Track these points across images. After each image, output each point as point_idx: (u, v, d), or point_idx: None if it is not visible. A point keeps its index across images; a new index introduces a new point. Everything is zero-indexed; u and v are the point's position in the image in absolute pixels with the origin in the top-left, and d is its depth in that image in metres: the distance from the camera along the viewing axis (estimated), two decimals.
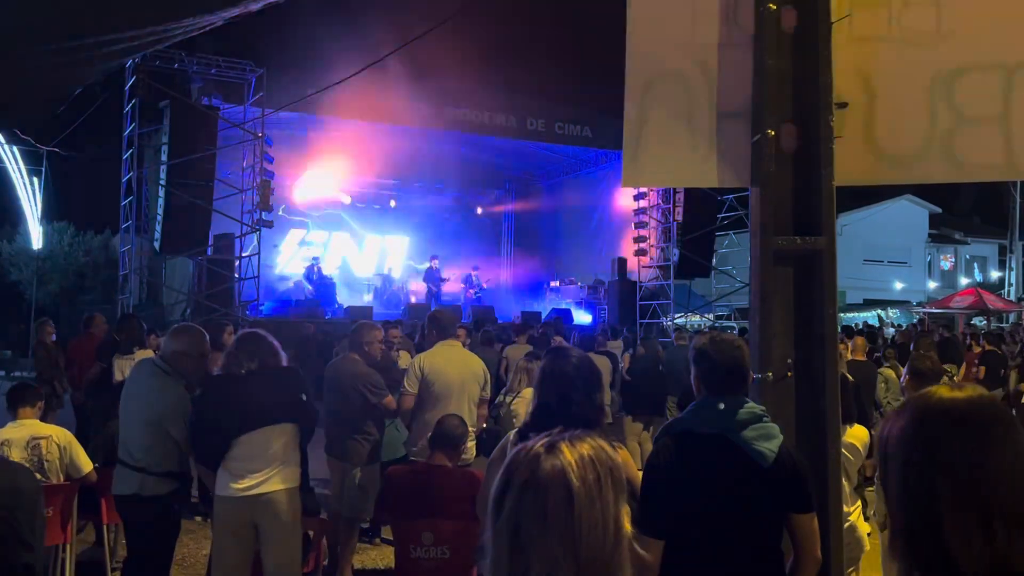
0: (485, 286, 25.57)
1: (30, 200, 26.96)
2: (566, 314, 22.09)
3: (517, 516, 1.50)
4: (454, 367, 6.50)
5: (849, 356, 9.65)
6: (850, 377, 5.56)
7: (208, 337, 5.30)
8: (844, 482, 4.18)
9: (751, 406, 3.07)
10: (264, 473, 4.71)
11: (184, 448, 4.95)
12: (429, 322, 6.95)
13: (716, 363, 3.13)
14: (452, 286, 25.24)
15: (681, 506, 2.97)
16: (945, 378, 5.97)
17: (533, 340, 12.58)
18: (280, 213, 20.08)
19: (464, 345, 9.53)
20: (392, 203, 27.50)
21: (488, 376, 6.75)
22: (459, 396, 6.41)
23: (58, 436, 5.66)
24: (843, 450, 3.81)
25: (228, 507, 4.75)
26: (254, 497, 4.70)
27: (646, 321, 22.42)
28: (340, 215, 26.82)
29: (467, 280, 25.35)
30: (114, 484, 5.05)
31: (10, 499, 1.93)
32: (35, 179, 26.54)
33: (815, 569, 3.03)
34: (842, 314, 25.88)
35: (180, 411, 4.92)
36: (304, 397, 4.83)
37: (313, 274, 23.06)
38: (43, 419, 5.91)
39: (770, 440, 2.98)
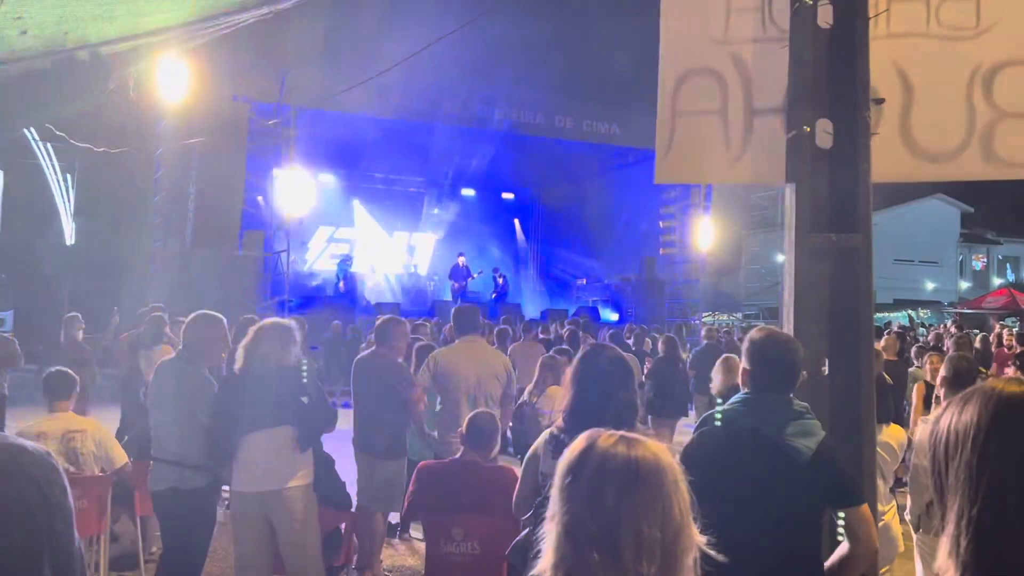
0: (500, 280, 25.49)
1: (63, 196, 27.29)
2: (593, 312, 22.06)
3: (599, 494, 1.54)
4: (470, 364, 6.45)
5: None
6: (887, 377, 5.50)
7: (225, 322, 5.41)
8: (880, 482, 4.13)
9: (794, 403, 3.04)
10: (271, 470, 4.78)
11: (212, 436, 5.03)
12: (452, 319, 6.99)
13: (770, 359, 3.09)
14: (479, 283, 25.27)
15: (713, 498, 2.94)
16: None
17: (540, 338, 12.55)
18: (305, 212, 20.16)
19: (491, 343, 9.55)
20: (420, 201, 27.57)
21: (511, 372, 6.67)
22: (475, 393, 6.36)
23: (93, 430, 5.72)
24: (879, 450, 3.77)
25: (241, 502, 4.88)
26: (263, 494, 4.79)
27: (674, 319, 22.34)
28: (368, 212, 26.92)
29: (492, 276, 25.38)
30: (150, 480, 5.12)
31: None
32: (68, 175, 26.86)
33: (872, 560, 2.98)
34: None
35: (207, 395, 5.03)
36: (305, 400, 4.82)
37: (345, 270, 23.18)
38: (78, 412, 5.98)
39: (808, 437, 2.95)
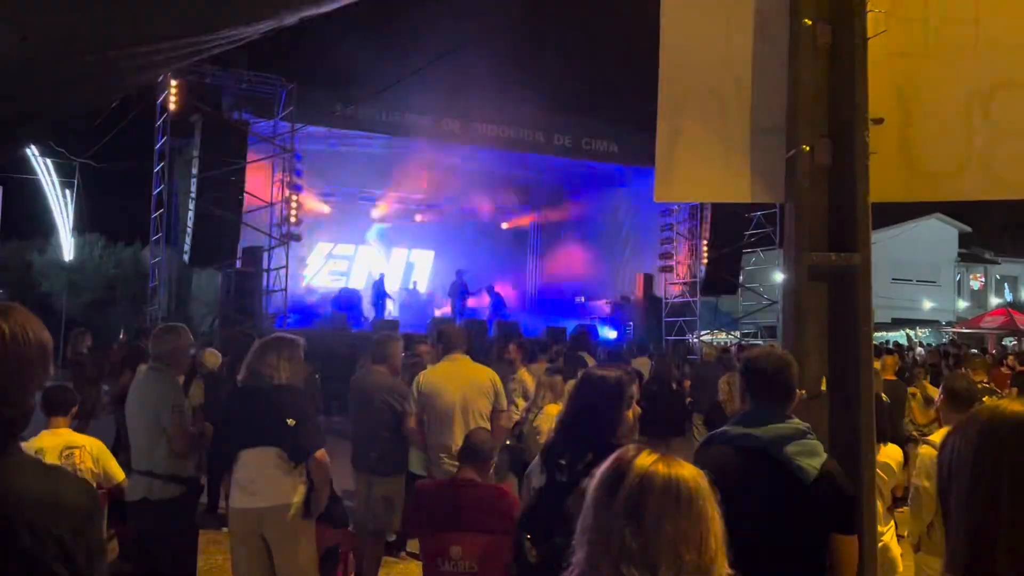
0: (493, 297, 25.53)
1: (62, 211, 27.30)
2: (591, 330, 22.04)
3: (641, 508, 1.55)
4: (454, 382, 6.30)
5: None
6: (885, 397, 5.49)
7: (189, 332, 5.61)
8: (878, 502, 4.12)
9: (795, 422, 3.04)
10: (263, 487, 4.76)
11: (175, 443, 5.10)
12: (436, 338, 6.88)
13: (766, 377, 3.11)
14: (477, 301, 25.27)
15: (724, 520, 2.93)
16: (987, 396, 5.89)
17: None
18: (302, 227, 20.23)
19: (518, 361, 9.49)
20: (418, 217, 27.63)
21: (499, 387, 6.44)
22: (463, 412, 6.21)
23: (91, 446, 5.70)
24: (877, 470, 3.76)
25: (236, 518, 4.88)
26: (256, 511, 4.78)
27: (672, 338, 22.31)
28: (366, 229, 26.95)
29: (490, 293, 25.37)
30: (127, 492, 5.17)
31: (51, 516, 1.59)
32: (67, 191, 26.89)
33: None
34: None
35: (170, 400, 5.13)
36: (292, 422, 4.71)
37: (377, 289, 23.37)
38: (77, 429, 5.96)
39: (813, 457, 2.94)
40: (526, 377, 9.04)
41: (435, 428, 6.21)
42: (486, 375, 6.47)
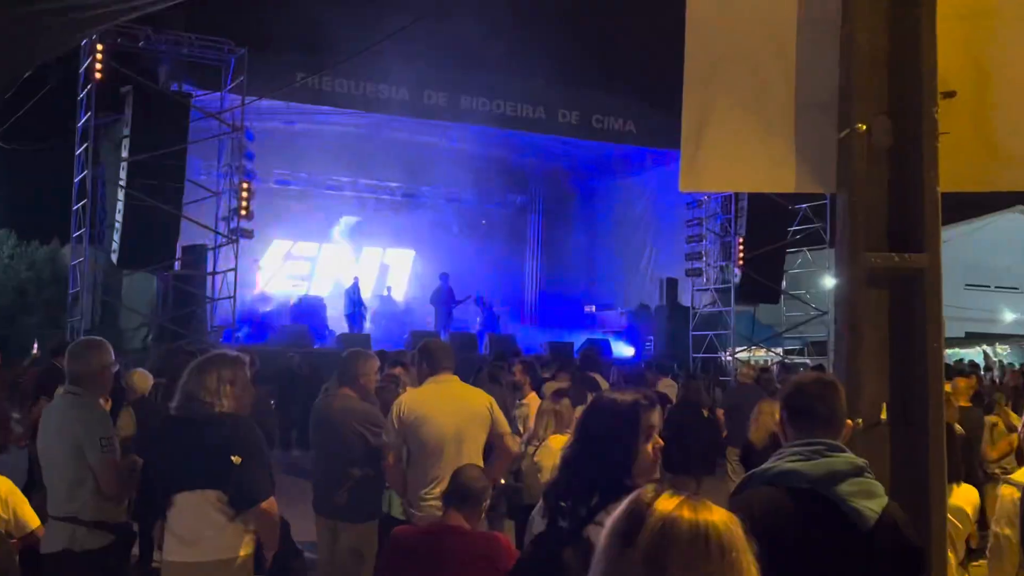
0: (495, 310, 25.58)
1: None
2: (603, 346, 22.07)
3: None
4: (446, 408, 6.19)
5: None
6: (958, 427, 5.50)
7: (111, 348, 5.53)
8: (950, 553, 4.12)
9: (849, 456, 3.04)
10: (203, 538, 4.73)
11: (103, 483, 5.05)
12: (419, 355, 6.74)
13: (812, 405, 3.12)
14: (465, 310, 25.29)
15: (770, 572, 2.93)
16: None
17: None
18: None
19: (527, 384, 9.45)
20: (395, 211, 27.64)
21: (495, 414, 6.35)
22: (456, 444, 6.09)
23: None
24: (948, 515, 3.76)
25: (172, 574, 4.82)
26: (195, 565, 4.72)
27: (701, 355, 22.35)
28: (332, 224, 26.96)
29: (479, 302, 25.38)
30: (42, 542, 5.13)
31: None
32: None
33: None
34: None
35: (96, 431, 5.07)
36: (237, 459, 4.65)
37: (352, 297, 23.40)
38: None
39: (871, 498, 2.94)
40: (535, 405, 8.93)
41: (420, 464, 6.14)
42: (482, 400, 6.41)
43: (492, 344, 20.36)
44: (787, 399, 3.27)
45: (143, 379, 8.86)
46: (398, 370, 8.70)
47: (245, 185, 19.34)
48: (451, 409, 6.22)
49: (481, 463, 6.17)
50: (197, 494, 4.71)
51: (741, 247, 21.76)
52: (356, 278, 24.60)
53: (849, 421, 3.22)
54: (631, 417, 3.29)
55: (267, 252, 25.53)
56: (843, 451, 3.07)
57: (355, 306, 23.69)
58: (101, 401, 5.37)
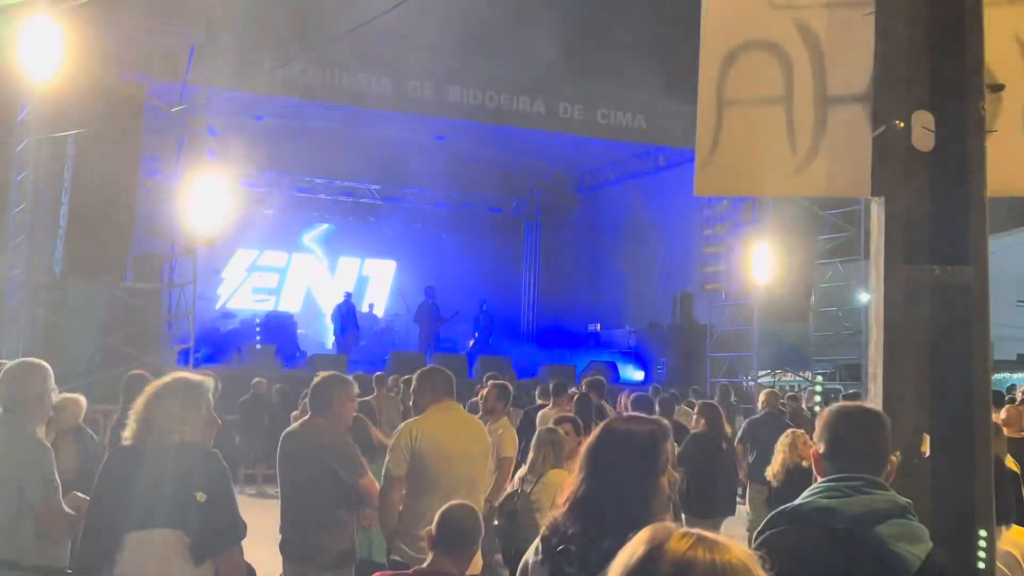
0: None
1: None
2: (610, 368, 22.05)
3: None
4: (459, 440, 6.43)
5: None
6: (1011, 461, 5.49)
7: (51, 371, 5.52)
8: None
9: (892, 495, 3.04)
10: None
11: (47, 524, 5.07)
12: (420, 380, 6.85)
13: (853, 437, 3.12)
14: (453, 328, 25.28)
15: None
16: None
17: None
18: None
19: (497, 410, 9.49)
20: (375, 216, 27.65)
21: (498, 438, 6.67)
22: (468, 480, 6.32)
23: None
24: (998, 562, 3.75)
25: None
26: None
27: (720, 380, 22.32)
28: (304, 231, 26.95)
29: (476, 321, 25.38)
30: None
31: None
32: None
33: None
34: None
35: (36, 463, 5.10)
36: (202, 496, 4.63)
37: (343, 314, 23.37)
38: None
39: (915, 543, 2.94)
40: (509, 433, 8.91)
41: (423, 498, 6.22)
42: (483, 430, 6.75)
43: (483, 367, 20.31)
44: (825, 429, 3.25)
45: (76, 405, 8.81)
46: (371, 397, 8.71)
47: (206, 188, 19.30)
48: (464, 442, 6.47)
49: (484, 495, 6.36)
50: (154, 533, 4.67)
51: (765, 257, 21.75)
52: (348, 293, 24.73)
53: (893, 457, 3.21)
54: (649, 447, 3.28)
55: (230, 263, 25.50)
56: (885, 488, 3.07)
57: (347, 323, 23.62)
58: (41, 431, 5.35)
